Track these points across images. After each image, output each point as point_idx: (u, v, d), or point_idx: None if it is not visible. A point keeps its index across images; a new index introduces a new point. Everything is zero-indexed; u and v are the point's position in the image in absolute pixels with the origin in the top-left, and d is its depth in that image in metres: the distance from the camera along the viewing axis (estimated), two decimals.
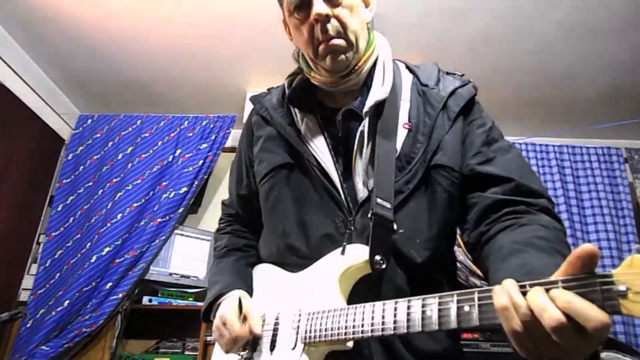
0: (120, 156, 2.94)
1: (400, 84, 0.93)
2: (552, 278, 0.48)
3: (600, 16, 2.41)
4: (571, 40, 2.59)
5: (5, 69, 2.66)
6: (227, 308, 0.88)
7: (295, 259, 0.87)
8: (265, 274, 0.97)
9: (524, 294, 0.48)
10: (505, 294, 0.48)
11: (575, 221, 2.98)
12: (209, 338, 2.52)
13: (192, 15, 2.48)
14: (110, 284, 2.53)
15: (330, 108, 0.93)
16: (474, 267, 2.52)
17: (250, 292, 0.96)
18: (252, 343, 0.86)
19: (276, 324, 0.84)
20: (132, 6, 2.42)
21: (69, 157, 2.96)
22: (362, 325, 0.68)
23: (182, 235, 2.84)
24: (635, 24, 2.44)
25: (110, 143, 3.01)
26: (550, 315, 0.44)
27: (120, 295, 2.53)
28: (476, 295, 0.53)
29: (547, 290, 0.47)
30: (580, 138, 3.35)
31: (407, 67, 0.98)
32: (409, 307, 0.62)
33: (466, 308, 0.53)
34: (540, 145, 3.18)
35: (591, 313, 0.42)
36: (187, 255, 2.81)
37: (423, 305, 0.59)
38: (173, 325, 2.72)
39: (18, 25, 2.55)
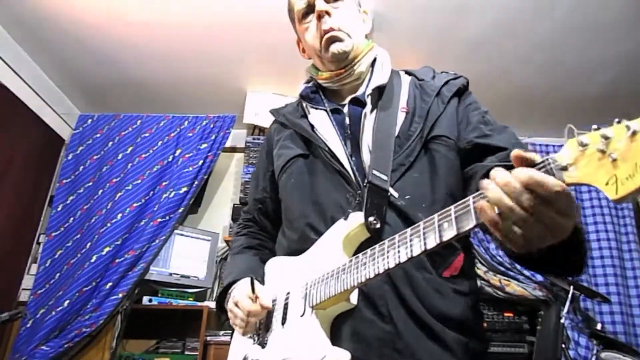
0: (120, 156, 2.94)
1: (399, 81, 1.04)
2: None
3: (601, 15, 2.40)
4: (572, 39, 2.59)
5: (5, 69, 2.66)
6: (238, 291, 0.97)
7: (315, 237, 0.93)
8: (276, 264, 1.04)
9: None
10: (494, 185, 0.55)
11: None
12: (208, 338, 2.52)
13: (192, 14, 2.48)
14: (110, 284, 2.52)
15: (337, 104, 1.04)
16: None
17: (261, 281, 1.03)
18: (265, 323, 0.93)
19: (287, 299, 0.92)
20: (132, 6, 2.42)
21: (69, 157, 2.96)
22: (359, 272, 0.74)
23: (182, 235, 2.84)
24: (635, 22, 2.44)
25: (110, 143, 3.01)
26: (521, 194, 0.53)
27: (120, 295, 2.52)
28: (452, 211, 0.61)
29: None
30: None
31: (406, 71, 1.10)
32: (397, 243, 0.68)
33: (445, 225, 0.61)
34: (541, 145, 3.18)
35: (549, 179, 0.52)
36: (187, 255, 2.81)
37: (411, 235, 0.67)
38: (173, 325, 2.71)
39: (18, 25, 2.55)
